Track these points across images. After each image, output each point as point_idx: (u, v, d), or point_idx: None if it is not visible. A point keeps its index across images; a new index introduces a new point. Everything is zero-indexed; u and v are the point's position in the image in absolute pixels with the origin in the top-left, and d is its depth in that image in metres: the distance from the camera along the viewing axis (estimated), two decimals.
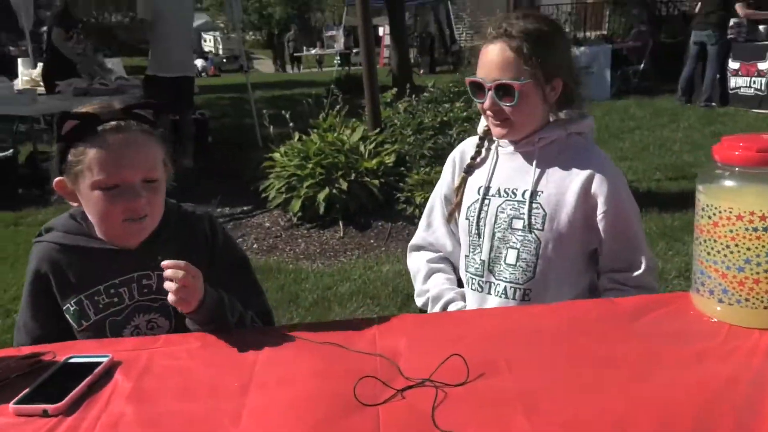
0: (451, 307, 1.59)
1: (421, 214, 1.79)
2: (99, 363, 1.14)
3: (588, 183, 1.48)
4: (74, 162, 1.27)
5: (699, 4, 8.75)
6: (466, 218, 1.59)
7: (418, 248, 1.76)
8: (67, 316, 1.36)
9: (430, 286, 1.66)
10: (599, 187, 1.47)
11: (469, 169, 1.62)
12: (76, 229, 1.37)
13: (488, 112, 1.49)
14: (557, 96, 1.49)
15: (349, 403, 0.98)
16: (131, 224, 1.30)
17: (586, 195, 1.48)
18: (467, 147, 1.68)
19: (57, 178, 1.32)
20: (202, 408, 1.01)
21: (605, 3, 16.70)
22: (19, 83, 7.58)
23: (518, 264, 1.51)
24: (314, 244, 4.22)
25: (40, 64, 7.47)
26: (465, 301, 1.61)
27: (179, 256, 1.24)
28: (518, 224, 1.51)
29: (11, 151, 5.62)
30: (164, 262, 1.22)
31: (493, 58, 1.45)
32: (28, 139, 6.50)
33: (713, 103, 8.50)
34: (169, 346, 1.23)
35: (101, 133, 1.26)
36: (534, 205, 1.49)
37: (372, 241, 4.22)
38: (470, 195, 1.59)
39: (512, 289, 1.52)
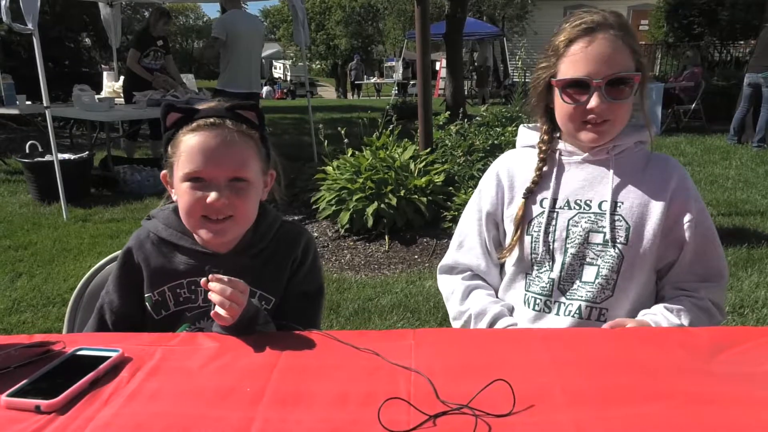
0: (500, 324, 1.35)
1: None
2: (107, 358, 0.99)
3: (673, 192, 1.29)
4: (171, 153, 1.22)
5: (755, 46, 8.30)
6: (528, 234, 1.35)
7: (450, 269, 1.51)
8: (148, 304, 1.26)
9: (470, 304, 1.41)
10: (685, 196, 1.29)
11: (529, 194, 1.36)
12: (174, 224, 1.28)
13: (589, 115, 1.25)
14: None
15: (371, 428, 0.78)
16: (210, 223, 1.19)
17: (671, 205, 1.28)
18: (514, 164, 1.42)
19: (163, 171, 1.26)
20: (205, 417, 0.83)
21: (657, 45, 16.18)
22: (103, 93, 7.77)
23: (597, 281, 1.29)
24: (359, 256, 4.05)
25: (122, 77, 7.64)
26: (514, 317, 1.38)
27: (259, 273, 1.17)
28: (597, 238, 1.29)
29: (87, 153, 5.68)
30: (212, 277, 1.09)
31: (601, 51, 1.21)
32: (105, 144, 6.61)
33: (765, 145, 7.99)
34: (185, 345, 1.07)
35: (196, 127, 1.19)
36: (616, 218, 1.28)
37: (416, 256, 4.01)
38: (530, 209, 1.36)
39: (588, 308, 1.29)
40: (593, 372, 0.92)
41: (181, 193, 1.19)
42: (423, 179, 4.40)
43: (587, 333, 1.15)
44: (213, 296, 1.07)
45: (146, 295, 1.26)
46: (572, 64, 1.25)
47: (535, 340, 1.03)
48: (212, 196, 1.15)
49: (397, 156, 4.64)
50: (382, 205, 4.21)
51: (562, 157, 1.36)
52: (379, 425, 0.79)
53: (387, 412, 0.81)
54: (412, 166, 4.58)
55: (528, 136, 1.44)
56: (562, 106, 1.29)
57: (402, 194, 4.29)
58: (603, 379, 0.90)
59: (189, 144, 1.17)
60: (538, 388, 0.87)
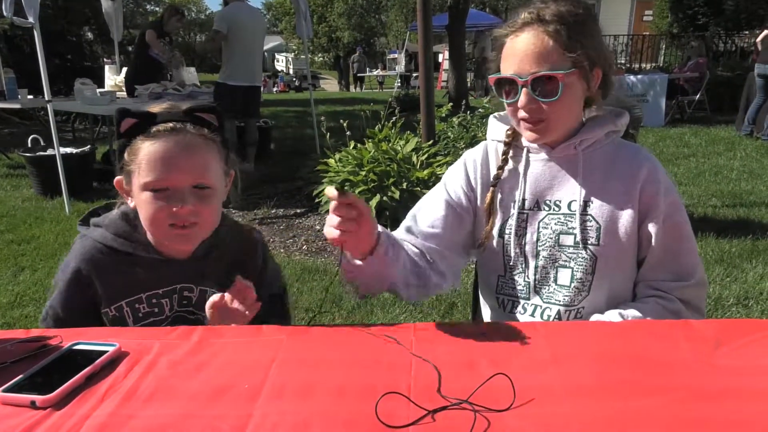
0: None
1: None
2: (103, 352, 0.97)
3: (642, 186, 1.22)
4: (128, 161, 1.17)
5: (762, 36, 8.19)
6: (500, 236, 1.31)
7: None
8: (105, 319, 1.23)
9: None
10: (654, 189, 1.22)
11: (497, 182, 1.32)
12: (125, 233, 1.23)
13: (521, 113, 1.21)
14: (596, 88, 1.22)
15: (369, 423, 0.77)
16: (177, 230, 1.16)
17: (640, 200, 1.22)
18: (479, 155, 1.37)
19: (117, 177, 1.22)
20: (202, 414, 0.82)
21: (662, 36, 16.07)
22: (105, 87, 7.75)
23: (573, 285, 1.25)
24: None
25: (124, 70, 7.62)
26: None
27: (228, 277, 1.16)
28: (567, 240, 1.24)
29: (89, 147, 5.68)
30: (240, 284, 1.12)
31: (527, 48, 1.15)
32: (107, 138, 6.61)
33: None
34: (182, 339, 1.05)
35: (156, 134, 1.15)
36: (586, 218, 1.23)
37: None
38: (502, 211, 1.31)
39: (567, 312, 1.26)
40: (594, 365, 0.91)
41: (142, 202, 1.16)
42: (425, 171, 4.39)
43: (589, 326, 1.13)
44: (237, 304, 1.10)
45: (103, 311, 1.23)
46: (504, 61, 1.21)
47: (536, 334, 1.02)
48: (178, 204, 1.13)
49: (399, 148, 4.62)
50: (385, 198, 4.20)
51: (530, 154, 1.30)
52: (377, 420, 0.77)
53: (386, 407, 0.80)
54: (414, 158, 4.56)
55: (497, 129, 1.36)
56: (504, 102, 1.24)
57: (404, 187, 4.27)
58: (604, 372, 0.89)
59: (149, 152, 1.13)
60: (539, 382, 0.86)
